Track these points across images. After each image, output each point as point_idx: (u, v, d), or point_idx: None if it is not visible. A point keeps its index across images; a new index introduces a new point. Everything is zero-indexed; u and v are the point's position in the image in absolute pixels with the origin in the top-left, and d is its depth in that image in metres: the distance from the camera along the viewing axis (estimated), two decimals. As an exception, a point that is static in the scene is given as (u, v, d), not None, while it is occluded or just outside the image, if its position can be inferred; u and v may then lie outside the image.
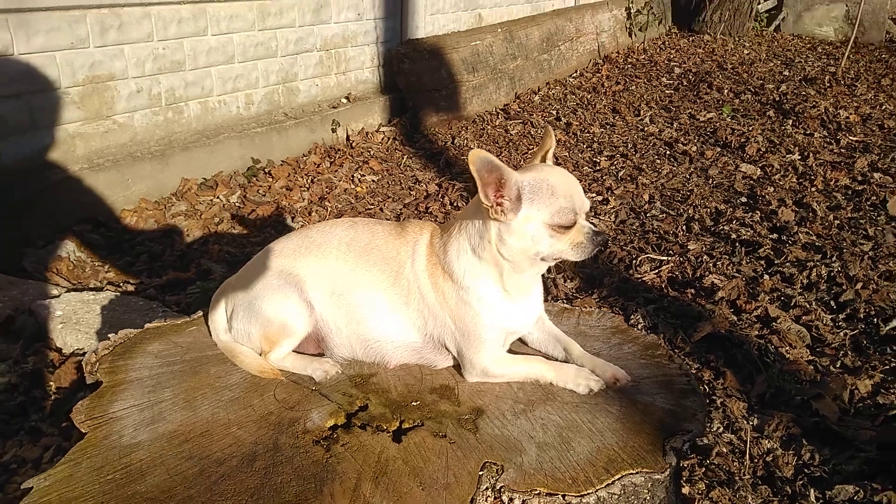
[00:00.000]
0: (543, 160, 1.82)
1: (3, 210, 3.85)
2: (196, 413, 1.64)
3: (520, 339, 1.89)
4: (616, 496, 1.39)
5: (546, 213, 1.64)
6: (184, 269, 3.95)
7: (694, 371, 3.11)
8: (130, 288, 3.71)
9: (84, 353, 2.99)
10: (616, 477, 1.41)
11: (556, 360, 1.82)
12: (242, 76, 5.31)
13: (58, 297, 3.34)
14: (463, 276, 1.74)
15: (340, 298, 1.78)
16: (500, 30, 7.61)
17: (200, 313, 2.06)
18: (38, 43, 4.02)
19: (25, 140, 4.09)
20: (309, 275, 1.79)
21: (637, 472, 1.43)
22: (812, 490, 2.48)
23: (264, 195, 5.00)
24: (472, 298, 1.73)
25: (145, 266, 3.97)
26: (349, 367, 1.82)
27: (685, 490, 2.49)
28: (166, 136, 4.86)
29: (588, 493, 1.38)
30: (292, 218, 4.66)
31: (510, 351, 1.82)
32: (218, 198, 4.84)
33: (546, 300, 3.64)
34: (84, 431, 1.58)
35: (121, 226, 4.37)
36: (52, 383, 2.87)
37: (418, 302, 1.77)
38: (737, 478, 2.55)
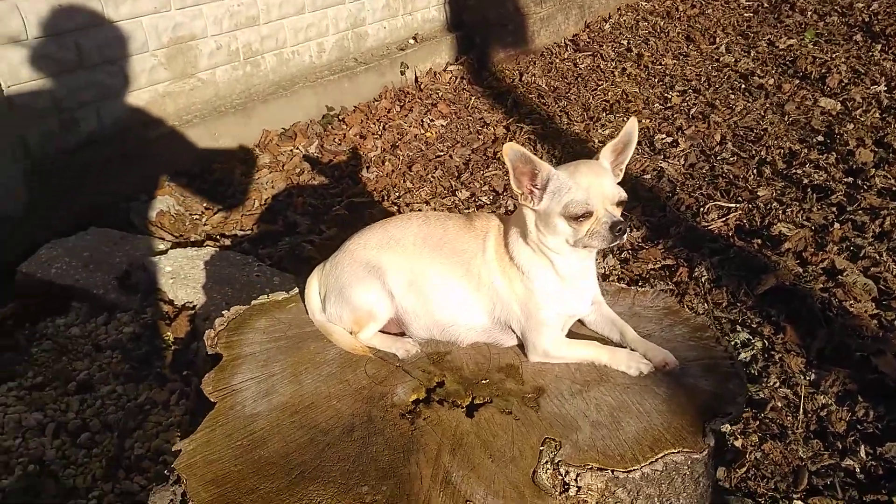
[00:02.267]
0: (618, 152, 1.94)
1: (106, 167, 4.25)
2: (302, 386, 1.94)
3: (580, 322, 2.08)
4: (659, 472, 1.61)
5: (559, 204, 1.82)
6: (272, 221, 4.28)
7: (754, 325, 3.23)
8: (227, 242, 4.08)
9: (194, 307, 3.40)
10: (659, 455, 1.62)
11: (612, 342, 2.01)
12: (313, 25, 5.46)
13: (165, 252, 3.74)
14: (523, 263, 1.94)
15: (418, 288, 2.02)
16: (569, -45, 7.36)
17: (297, 290, 2.34)
18: (125, 10, 4.29)
19: (121, 101, 4.43)
20: (390, 267, 2.03)
21: (678, 452, 1.63)
22: (863, 446, 2.62)
23: (340, 144, 5.23)
24: (533, 284, 1.94)
25: (237, 218, 4.33)
26: (427, 346, 2.07)
27: (738, 443, 2.68)
28: (246, 90, 5.12)
29: (634, 470, 1.60)
30: (367, 167, 4.89)
31: (570, 334, 2.02)
32: (297, 148, 5.11)
33: (611, 252, 3.81)
34: (214, 401, 1.91)
35: (213, 177, 4.72)
36: (169, 334, 3.29)
37: (488, 289, 1.99)
38: (789, 432, 2.72)
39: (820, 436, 2.69)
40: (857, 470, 2.52)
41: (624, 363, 1.90)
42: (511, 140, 5.25)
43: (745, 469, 2.54)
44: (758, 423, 2.74)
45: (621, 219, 1.83)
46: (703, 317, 2.14)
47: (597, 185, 1.84)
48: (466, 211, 4.35)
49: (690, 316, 2.11)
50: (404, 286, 2.02)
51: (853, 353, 3.01)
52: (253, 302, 2.32)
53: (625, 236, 1.86)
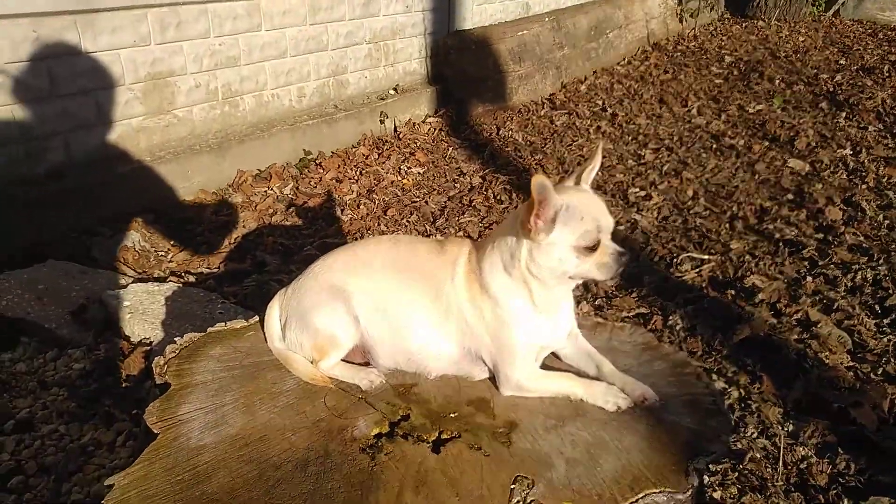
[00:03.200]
0: (578, 180, 1.90)
1: (72, 200, 4.12)
2: (255, 418, 1.80)
3: (554, 355, 1.99)
4: (639, 514, 1.50)
5: (572, 236, 1.74)
6: (240, 260, 4.16)
7: (730, 375, 3.16)
8: (191, 279, 3.94)
9: (150, 343, 3.23)
10: (640, 496, 1.51)
11: (589, 376, 1.92)
12: (295, 70, 5.48)
13: (125, 287, 3.58)
14: (497, 291, 1.86)
15: (384, 313, 1.91)
16: (547, 19, 7.58)
17: (257, 318, 2.22)
18: (103, 42, 4.25)
19: (92, 134, 4.33)
20: (355, 290, 1.93)
21: (660, 492, 1.52)
22: (846, 500, 2.52)
23: (315, 187, 5.17)
24: (505, 313, 1.85)
25: (204, 256, 4.20)
26: (392, 377, 1.95)
27: (717, 494, 2.57)
28: (223, 129, 5.07)
29: (612, 510, 1.49)
30: (342, 210, 4.82)
31: (544, 366, 1.93)
32: (272, 189, 5.04)
33: (585, 299, 3.75)
34: (156, 432, 1.76)
35: (182, 216, 4.61)
36: (122, 371, 3.11)
37: (457, 317, 1.89)
38: (769, 484, 2.61)
39: (801, 489, 2.58)
40: (840, 525, 2.41)
41: (601, 397, 1.80)
42: (486, 189, 5.26)
43: (724, 522, 2.42)
44: (737, 474, 2.63)
45: (624, 249, 1.78)
46: (683, 353, 2.06)
47: (603, 214, 1.79)
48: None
49: (670, 351, 2.04)
50: (370, 310, 1.92)
51: (830, 404, 2.94)
52: (209, 329, 2.20)
53: (625, 267, 1.80)
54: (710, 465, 1.57)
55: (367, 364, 1.98)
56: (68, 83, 4.09)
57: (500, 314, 1.85)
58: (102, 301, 3.42)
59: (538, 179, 1.68)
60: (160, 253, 4.19)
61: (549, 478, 1.57)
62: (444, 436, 1.73)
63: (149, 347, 3.16)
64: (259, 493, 1.56)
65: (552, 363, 1.97)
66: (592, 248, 1.75)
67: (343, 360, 1.97)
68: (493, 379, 1.91)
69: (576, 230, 1.74)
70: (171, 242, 4.29)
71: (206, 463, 1.66)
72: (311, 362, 1.96)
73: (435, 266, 1.93)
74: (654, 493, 1.52)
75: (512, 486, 1.55)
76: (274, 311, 2.08)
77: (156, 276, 3.92)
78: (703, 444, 1.66)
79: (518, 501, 1.52)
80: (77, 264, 3.79)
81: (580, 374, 1.93)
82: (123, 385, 3.03)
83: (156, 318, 3.32)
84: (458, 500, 1.53)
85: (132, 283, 3.66)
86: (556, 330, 1.90)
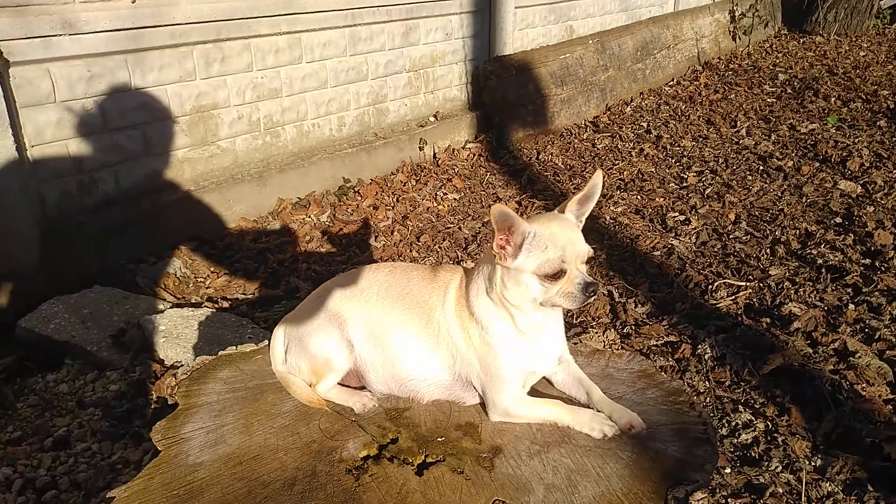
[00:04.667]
0: (563, 209, 1.89)
1: (119, 229, 4.35)
2: (251, 437, 1.87)
3: (547, 380, 1.99)
4: (612, 543, 1.48)
5: (534, 263, 1.76)
6: (274, 286, 4.29)
7: (757, 406, 3.06)
8: (226, 304, 4.09)
9: (181, 366, 3.37)
10: (614, 524, 1.50)
11: (579, 402, 1.91)
12: (335, 100, 5.65)
13: (162, 312, 3.75)
14: (482, 316, 1.88)
15: (377, 339, 1.96)
16: (591, 41, 7.59)
17: (266, 342, 2.30)
18: (151, 78, 4.50)
19: (140, 165, 4.57)
20: (351, 316, 1.98)
21: (635, 520, 1.51)
22: (872, 539, 2.40)
23: (352, 214, 5.30)
24: (491, 339, 1.87)
25: (241, 282, 4.35)
26: (386, 401, 1.99)
27: (733, 529, 2.48)
28: (264, 159, 5.26)
29: (585, 538, 1.48)
30: (375, 237, 4.92)
31: (533, 392, 1.93)
32: (310, 216, 5.18)
33: (614, 326, 3.71)
34: (159, 449, 1.85)
35: (223, 243, 4.80)
36: (153, 393, 3.25)
37: (448, 342, 1.92)
38: (791, 520, 2.51)
39: (824, 527, 2.47)
40: (865, 566, 2.29)
41: (587, 424, 1.79)
42: (522, 214, 5.27)
43: (738, 559, 2.33)
44: (756, 509, 2.54)
45: (592, 279, 1.77)
46: (678, 382, 2.02)
47: (571, 243, 1.79)
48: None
49: (665, 380, 2.00)
50: (364, 336, 1.97)
51: (863, 438, 2.81)
52: (220, 353, 2.29)
53: (593, 297, 1.79)
54: (690, 494, 1.53)
55: (363, 388, 2.03)
56: (118, 118, 4.35)
57: (487, 339, 1.87)
58: (140, 325, 3.59)
59: (497, 208, 1.73)
60: (199, 279, 4.37)
61: (527, 502, 1.57)
62: (428, 459, 1.75)
63: (178, 370, 3.29)
64: (245, 510, 1.62)
65: (545, 389, 1.97)
66: (557, 277, 1.75)
67: (340, 384, 2.02)
68: (483, 404, 1.92)
69: (538, 258, 1.76)
70: (211, 269, 4.46)
71: (200, 479, 1.73)
72: (310, 385, 2.02)
73: (426, 292, 1.97)
74: (629, 522, 1.50)
75: (487, 511, 1.56)
76: (279, 334, 2.15)
77: (193, 301, 4.09)
78: (687, 472, 1.63)
79: (492, 526, 1.52)
80: (121, 290, 3.99)
81: (571, 400, 1.92)
82: (153, 406, 3.16)
83: (188, 342, 3.46)
84: (433, 523, 1.55)
85: (170, 308, 3.82)
86: (541, 355, 1.90)
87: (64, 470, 2.86)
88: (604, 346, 2.21)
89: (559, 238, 1.77)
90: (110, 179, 4.41)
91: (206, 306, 3.94)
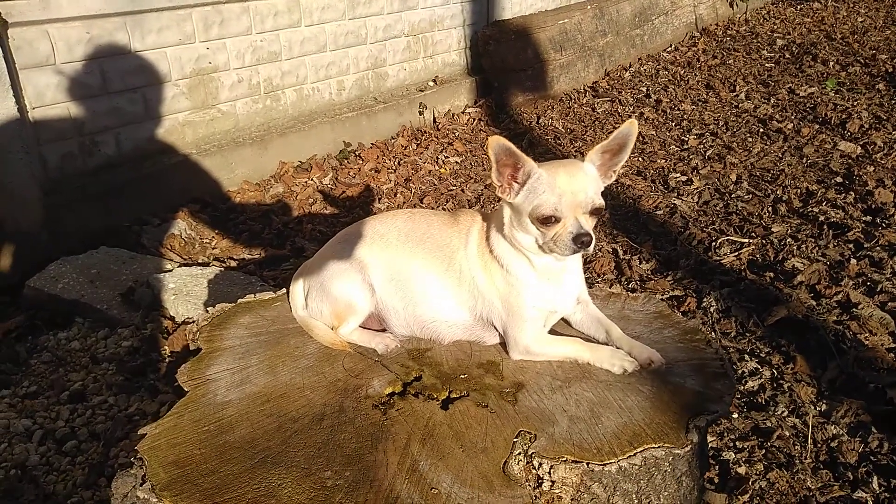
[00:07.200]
0: (612, 154, 1.89)
1: (122, 191, 4.33)
2: (277, 377, 1.90)
3: (564, 321, 2.02)
4: (637, 467, 1.52)
5: (530, 204, 1.78)
6: (280, 246, 4.30)
7: (763, 355, 3.12)
8: (233, 264, 4.10)
9: (193, 322, 3.39)
10: (638, 450, 1.53)
11: (598, 341, 1.94)
12: (334, 64, 5.61)
13: (170, 271, 3.76)
14: (503, 256, 1.91)
15: (399, 283, 1.98)
16: (589, 6, 7.53)
17: (285, 290, 2.33)
18: (150, 41, 4.45)
19: (141, 128, 4.54)
20: (372, 261, 2.01)
21: (659, 447, 1.54)
22: (876, 477, 2.47)
23: (354, 177, 5.29)
24: (513, 279, 1.89)
25: (246, 243, 4.36)
26: (408, 342, 2.02)
27: (741, 470, 2.55)
28: (265, 123, 5.23)
29: (610, 463, 1.51)
30: (379, 199, 4.92)
31: (553, 332, 1.96)
32: (312, 179, 5.18)
33: (619, 281, 3.75)
34: (186, 390, 1.88)
35: (226, 205, 4.79)
36: (166, 347, 3.27)
37: (469, 284, 1.95)
38: (797, 461, 2.58)
39: (830, 466, 2.54)
40: (870, 502, 2.36)
41: (607, 361, 1.83)
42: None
43: (747, 496, 2.40)
44: (763, 451, 2.60)
45: (587, 230, 1.76)
46: (694, 321, 2.06)
47: (571, 191, 1.78)
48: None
49: (681, 320, 2.04)
50: (385, 280, 1.99)
51: (866, 384, 2.87)
52: (239, 300, 2.31)
53: (590, 248, 1.78)
54: (713, 425, 1.57)
55: (384, 331, 2.06)
56: (118, 81, 4.30)
57: (509, 279, 1.89)
58: (149, 284, 3.60)
59: (497, 141, 1.75)
60: (205, 240, 4.37)
61: (551, 433, 1.61)
62: (453, 395, 1.79)
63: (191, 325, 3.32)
64: (276, 442, 1.65)
65: (564, 329, 2.01)
66: (549, 221, 1.76)
67: (362, 327, 2.05)
68: (503, 344, 1.96)
69: (534, 199, 1.78)
70: (216, 231, 4.46)
71: (229, 416, 1.76)
72: (332, 328, 2.04)
73: (447, 236, 1.99)
74: (653, 447, 1.54)
75: (514, 440, 1.60)
76: (298, 281, 2.17)
77: (200, 261, 4.10)
78: (706, 404, 1.67)
79: (519, 453, 1.56)
80: (127, 251, 4.00)
81: (590, 339, 1.96)
82: (167, 360, 3.19)
83: (198, 299, 3.47)
84: (462, 451, 1.59)
85: (177, 267, 3.83)
86: (561, 295, 1.93)
87: (82, 421, 2.89)
88: (620, 291, 2.24)
89: (560, 184, 1.77)
90: (111, 142, 4.38)
91: (213, 265, 3.95)
